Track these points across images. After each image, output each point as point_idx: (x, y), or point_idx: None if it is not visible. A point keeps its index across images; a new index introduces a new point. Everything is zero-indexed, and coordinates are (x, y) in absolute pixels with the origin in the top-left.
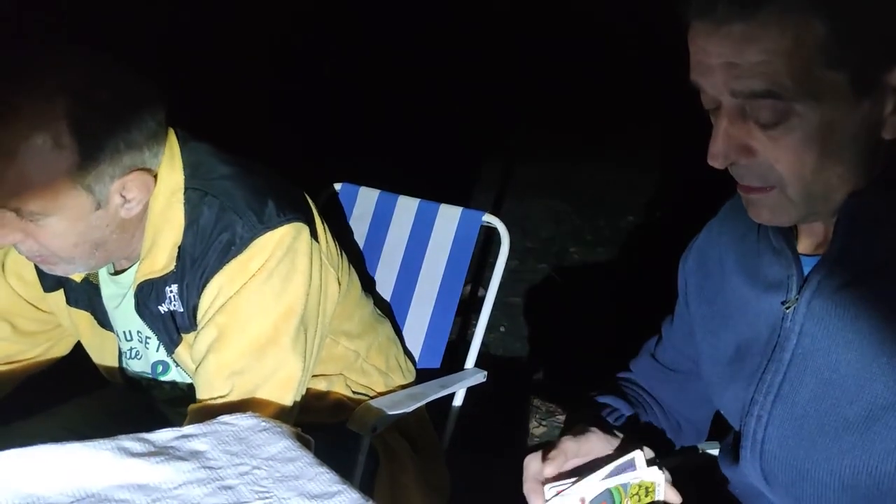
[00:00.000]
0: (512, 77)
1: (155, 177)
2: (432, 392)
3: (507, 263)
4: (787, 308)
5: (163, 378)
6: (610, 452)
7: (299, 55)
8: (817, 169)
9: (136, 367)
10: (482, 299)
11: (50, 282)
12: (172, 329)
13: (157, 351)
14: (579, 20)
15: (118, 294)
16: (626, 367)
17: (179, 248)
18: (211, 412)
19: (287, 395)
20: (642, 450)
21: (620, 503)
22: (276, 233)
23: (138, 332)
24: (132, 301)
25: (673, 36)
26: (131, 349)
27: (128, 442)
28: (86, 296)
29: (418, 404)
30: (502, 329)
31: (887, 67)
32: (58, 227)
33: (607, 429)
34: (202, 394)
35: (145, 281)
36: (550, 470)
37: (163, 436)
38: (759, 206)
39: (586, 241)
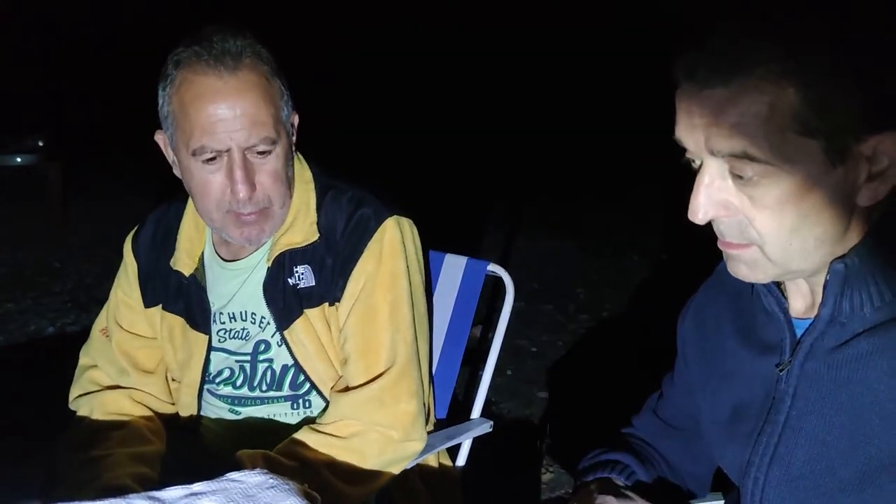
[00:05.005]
0: (517, 118)
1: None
2: (438, 443)
3: (513, 306)
4: (781, 370)
5: (260, 357)
6: None
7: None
8: (794, 229)
9: (234, 347)
10: (490, 342)
11: (149, 296)
12: (295, 304)
13: (265, 330)
14: (581, 58)
15: (235, 278)
16: (628, 421)
17: (317, 224)
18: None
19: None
20: None
21: None
22: (400, 219)
23: (252, 313)
24: (259, 277)
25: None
26: (243, 329)
27: (138, 500)
28: (184, 298)
29: (424, 455)
30: (509, 372)
31: (860, 138)
32: None
33: (620, 493)
34: (364, 375)
35: (284, 252)
36: None
37: (173, 493)
38: (737, 261)
39: (592, 282)
